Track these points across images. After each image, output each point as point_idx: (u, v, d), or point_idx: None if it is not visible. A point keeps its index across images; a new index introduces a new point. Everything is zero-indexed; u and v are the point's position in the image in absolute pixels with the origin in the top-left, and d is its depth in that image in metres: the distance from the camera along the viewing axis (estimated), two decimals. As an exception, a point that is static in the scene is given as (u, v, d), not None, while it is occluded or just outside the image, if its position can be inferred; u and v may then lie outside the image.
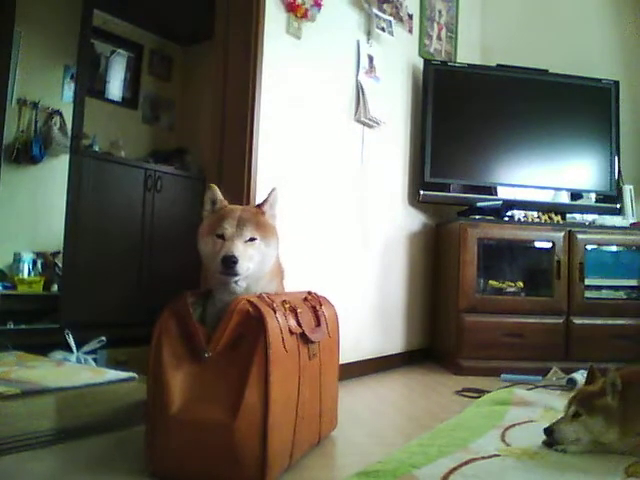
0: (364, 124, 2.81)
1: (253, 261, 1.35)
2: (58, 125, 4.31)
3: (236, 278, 1.34)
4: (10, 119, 3.98)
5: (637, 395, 1.50)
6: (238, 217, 1.36)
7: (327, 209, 2.61)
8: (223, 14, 2.34)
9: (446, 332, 3.14)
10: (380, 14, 2.86)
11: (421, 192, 3.18)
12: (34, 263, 4.18)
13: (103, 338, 2.90)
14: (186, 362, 1.28)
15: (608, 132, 3.39)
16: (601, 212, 3.36)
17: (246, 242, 1.35)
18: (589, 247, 3.13)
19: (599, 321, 3.05)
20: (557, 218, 3.25)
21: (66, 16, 4.15)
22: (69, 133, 3.92)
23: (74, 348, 2.84)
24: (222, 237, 1.34)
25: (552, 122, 3.38)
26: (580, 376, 2.49)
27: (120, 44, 4.79)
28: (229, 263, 1.29)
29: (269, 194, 1.50)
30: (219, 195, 1.43)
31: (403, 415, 2.14)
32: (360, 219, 2.83)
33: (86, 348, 2.87)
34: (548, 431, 1.54)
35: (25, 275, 4.08)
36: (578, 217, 3.36)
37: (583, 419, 1.51)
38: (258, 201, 2.19)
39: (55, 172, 4.19)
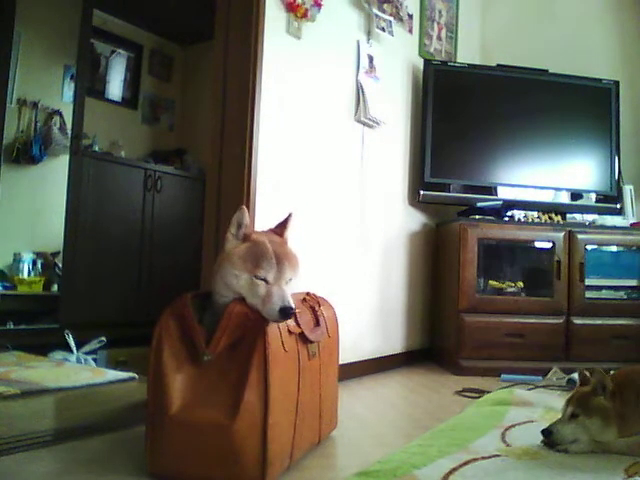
0: (364, 124, 2.81)
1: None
2: (58, 125, 4.31)
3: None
4: (10, 119, 3.98)
5: (634, 394, 1.51)
6: (275, 255, 1.33)
7: (327, 209, 2.61)
8: (223, 14, 2.34)
9: (446, 332, 3.14)
10: (380, 14, 2.86)
11: (421, 192, 3.18)
12: (34, 263, 4.17)
13: (103, 338, 2.90)
14: (186, 363, 1.28)
15: (608, 132, 3.39)
16: (601, 212, 3.36)
17: (286, 283, 1.34)
18: (589, 247, 3.13)
19: (599, 321, 3.05)
20: (557, 218, 3.25)
21: (66, 16, 4.15)
22: (69, 133, 3.92)
23: (74, 348, 2.84)
24: (263, 279, 1.31)
25: (552, 122, 3.38)
26: (580, 376, 2.50)
27: (120, 44, 4.78)
28: (288, 315, 1.29)
29: (287, 220, 1.47)
30: (247, 219, 1.38)
31: (403, 415, 2.13)
32: (360, 219, 2.83)
33: (86, 348, 2.86)
34: (546, 432, 1.54)
35: (25, 275, 4.08)
36: (578, 217, 3.36)
37: (581, 419, 1.51)
38: (259, 201, 2.21)
39: (55, 172, 4.19)
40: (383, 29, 2.87)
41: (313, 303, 1.58)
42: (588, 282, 3.09)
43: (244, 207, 1.40)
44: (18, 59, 4.08)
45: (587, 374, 1.62)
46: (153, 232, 4.04)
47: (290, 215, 1.48)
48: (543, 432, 1.54)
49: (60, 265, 3.95)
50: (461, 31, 3.72)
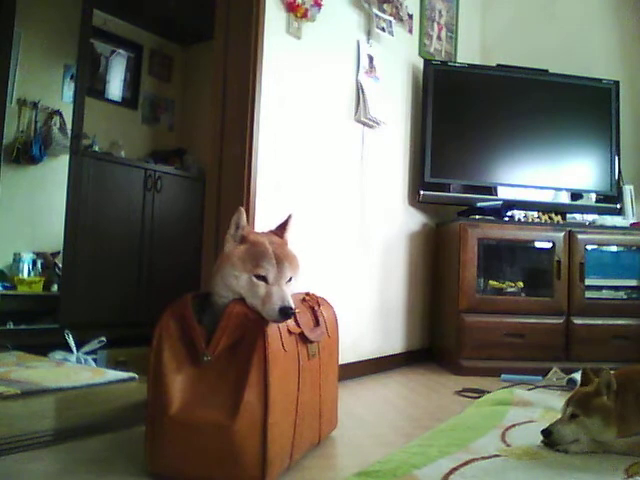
0: (364, 124, 2.81)
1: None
2: (58, 125, 4.31)
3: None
4: (10, 119, 3.97)
5: (633, 394, 1.51)
6: (275, 255, 1.33)
7: (327, 209, 2.61)
8: (223, 14, 2.34)
9: (446, 332, 3.14)
10: (380, 14, 2.86)
11: (421, 192, 3.18)
12: (34, 263, 4.17)
13: (103, 338, 2.90)
14: (186, 364, 1.28)
15: (608, 132, 3.39)
16: (601, 212, 3.36)
17: (286, 283, 1.34)
18: (589, 247, 3.13)
19: (599, 321, 3.05)
20: (557, 218, 3.25)
21: (66, 16, 4.15)
22: (69, 133, 3.92)
23: (74, 348, 2.84)
24: (263, 279, 1.31)
25: (552, 122, 3.38)
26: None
27: (120, 44, 4.78)
28: (288, 315, 1.29)
29: (287, 221, 1.48)
30: (244, 220, 1.39)
31: (403, 415, 2.13)
32: (360, 219, 2.83)
33: (86, 348, 2.86)
34: (546, 432, 1.54)
35: (25, 275, 4.08)
36: (578, 217, 3.36)
37: (580, 420, 1.51)
38: (259, 201, 2.21)
39: (55, 172, 4.19)
40: (383, 29, 2.87)
41: (313, 303, 1.58)
42: (588, 282, 3.09)
43: (241, 208, 1.40)
44: (18, 59, 4.07)
45: (590, 373, 1.62)
46: (153, 232, 4.04)
47: (290, 216, 1.48)
48: (543, 432, 1.54)
49: (60, 265, 3.95)
50: (461, 31, 3.72)
